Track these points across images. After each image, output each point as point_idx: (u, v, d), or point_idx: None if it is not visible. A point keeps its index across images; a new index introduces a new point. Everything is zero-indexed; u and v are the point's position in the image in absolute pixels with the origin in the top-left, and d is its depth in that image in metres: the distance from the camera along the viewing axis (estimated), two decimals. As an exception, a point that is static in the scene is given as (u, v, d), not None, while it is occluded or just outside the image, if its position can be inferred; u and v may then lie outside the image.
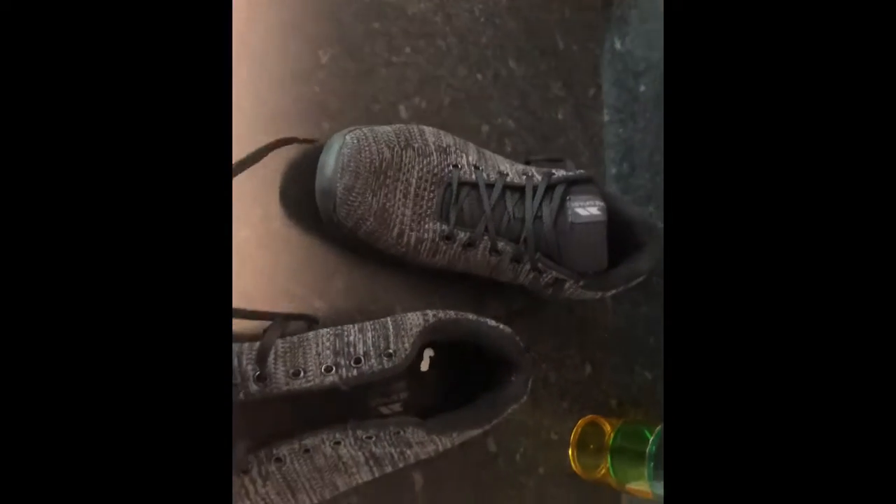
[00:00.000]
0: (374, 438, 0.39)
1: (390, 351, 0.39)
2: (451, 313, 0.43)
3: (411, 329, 0.40)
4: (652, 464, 0.51)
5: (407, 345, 0.39)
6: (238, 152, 0.44)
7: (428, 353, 0.46)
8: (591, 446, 0.58)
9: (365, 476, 0.40)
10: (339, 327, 0.41)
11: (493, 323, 0.44)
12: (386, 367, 0.38)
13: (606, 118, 0.65)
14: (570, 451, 0.59)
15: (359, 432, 0.38)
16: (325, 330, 0.41)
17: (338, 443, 0.38)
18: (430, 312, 0.42)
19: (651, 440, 0.52)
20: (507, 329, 0.44)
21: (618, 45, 0.65)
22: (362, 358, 0.39)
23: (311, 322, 0.42)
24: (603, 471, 0.56)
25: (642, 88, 0.62)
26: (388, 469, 0.41)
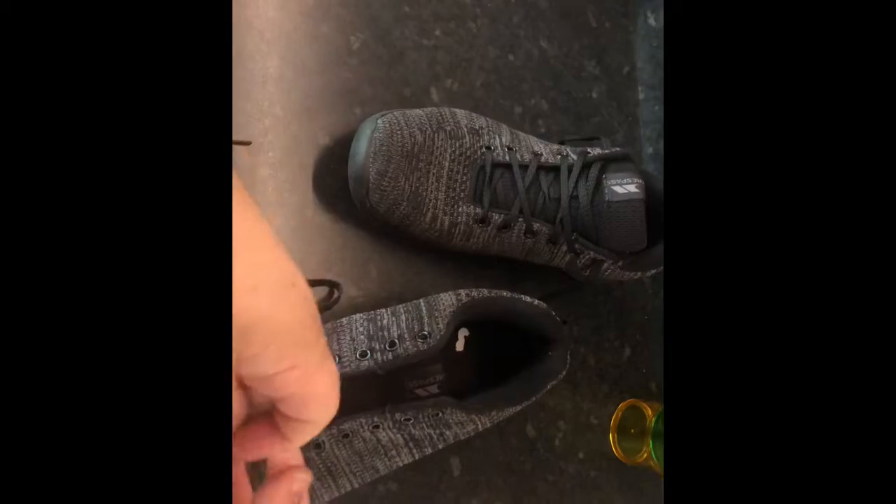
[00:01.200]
0: (412, 420, 0.39)
1: (425, 333, 0.39)
2: (485, 291, 0.42)
3: (445, 310, 0.40)
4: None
5: (441, 326, 0.39)
6: (272, 140, 0.44)
7: (463, 332, 0.46)
8: (632, 430, 0.57)
9: (405, 458, 0.40)
10: (372, 312, 0.41)
11: (527, 299, 0.43)
12: (421, 349, 0.38)
13: (642, 96, 0.64)
14: (610, 436, 0.58)
15: (397, 415, 0.38)
16: (359, 315, 0.40)
17: (377, 426, 0.38)
18: (462, 292, 0.42)
19: (694, 423, 0.51)
20: (543, 304, 0.43)
21: (651, 21, 0.64)
22: (397, 341, 0.38)
23: (334, 287, 0.42)
24: (645, 455, 0.55)
25: (679, 64, 0.61)
26: (429, 450, 0.41)
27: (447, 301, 0.41)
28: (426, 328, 0.39)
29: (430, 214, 0.44)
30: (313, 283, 0.42)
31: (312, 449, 0.38)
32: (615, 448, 0.58)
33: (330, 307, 0.43)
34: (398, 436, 0.39)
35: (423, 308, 0.40)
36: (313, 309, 0.25)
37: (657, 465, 0.55)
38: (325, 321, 0.40)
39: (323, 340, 0.25)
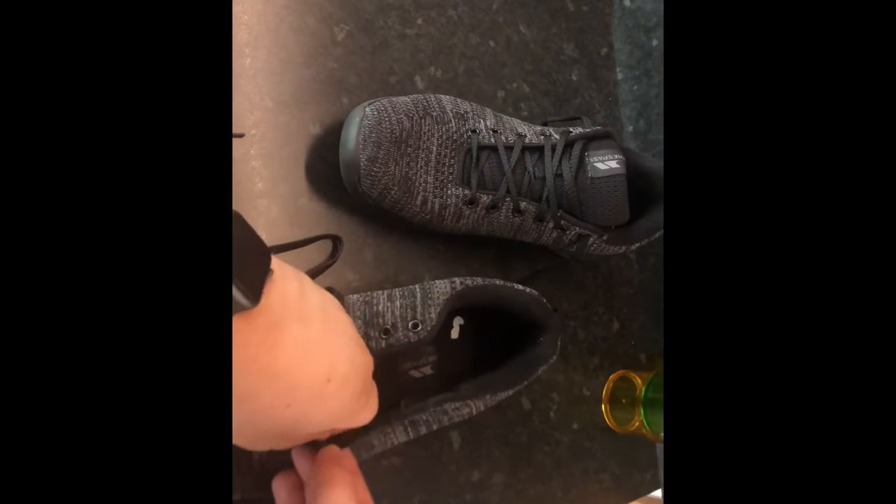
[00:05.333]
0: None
1: (416, 321, 0.40)
2: (479, 280, 0.44)
3: (438, 298, 0.41)
4: (684, 412, 0.52)
5: (433, 315, 0.40)
6: (263, 132, 0.45)
7: (458, 321, 0.47)
8: (624, 400, 0.59)
9: (401, 437, 0.42)
10: (369, 294, 0.42)
11: (519, 287, 0.44)
12: (412, 340, 0.39)
13: (620, 76, 0.65)
14: (602, 406, 0.60)
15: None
16: (355, 297, 0.41)
17: None
18: (457, 280, 0.43)
19: (682, 389, 0.53)
20: (534, 292, 0.45)
21: (627, 2, 0.65)
22: (390, 329, 0.40)
23: (336, 241, 0.43)
24: (637, 423, 0.57)
25: (654, 43, 0.62)
26: (424, 431, 0.42)
27: (441, 289, 0.42)
28: (418, 316, 0.40)
29: (420, 198, 0.45)
30: (314, 240, 0.42)
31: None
32: (608, 418, 0.60)
33: (333, 263, 0.44)
34: (396, 421, 0.40)
35: (418, 295, 0.41)
36: (368, 363, 0.34)
37: (649, 432, 0.57)
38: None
39: (371, 382, 0.35)
